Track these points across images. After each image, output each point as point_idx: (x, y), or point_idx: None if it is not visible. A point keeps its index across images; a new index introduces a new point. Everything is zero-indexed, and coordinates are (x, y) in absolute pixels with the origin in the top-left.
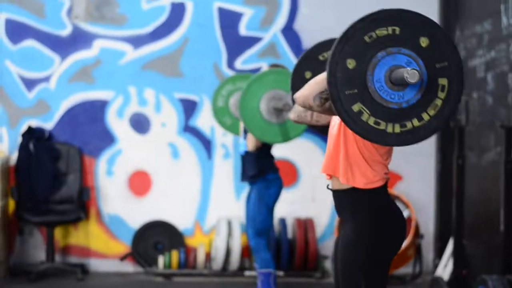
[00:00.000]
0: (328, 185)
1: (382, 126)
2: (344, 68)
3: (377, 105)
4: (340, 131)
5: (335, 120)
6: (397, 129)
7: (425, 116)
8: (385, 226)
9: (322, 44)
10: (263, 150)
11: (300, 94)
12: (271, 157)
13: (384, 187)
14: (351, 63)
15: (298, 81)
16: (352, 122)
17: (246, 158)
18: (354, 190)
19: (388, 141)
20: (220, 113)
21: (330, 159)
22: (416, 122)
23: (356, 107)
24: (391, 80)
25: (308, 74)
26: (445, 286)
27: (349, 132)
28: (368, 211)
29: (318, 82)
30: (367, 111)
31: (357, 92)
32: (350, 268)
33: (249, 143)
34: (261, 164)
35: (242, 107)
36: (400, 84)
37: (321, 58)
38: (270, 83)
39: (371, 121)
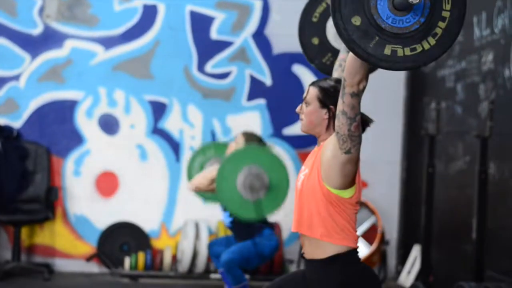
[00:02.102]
0: (303, 253)
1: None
2: (353, 28)
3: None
4: (303, 185)
5: (299, 176)
6: (407, 52)
7: (431, 40)
8: None
9: (307, 7)
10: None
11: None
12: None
13: (355, 253)
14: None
15: (310, 51)
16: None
17: (235, 227)
18: (326, 259)
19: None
20: None
21: (301, 218)
22: (426, 44)
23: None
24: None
25: (315, 40)
26: None
27: (314, 181)
28: (340, 279)
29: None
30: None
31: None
32: None
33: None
34: (252, 229)
35: (219, 185)
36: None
37: (314, 19)
38: (246, 160)
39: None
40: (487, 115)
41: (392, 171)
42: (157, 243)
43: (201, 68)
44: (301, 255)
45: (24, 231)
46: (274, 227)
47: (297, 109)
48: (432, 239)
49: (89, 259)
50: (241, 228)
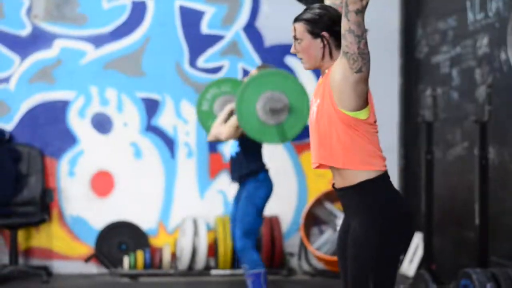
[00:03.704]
0: (333, 183)
1: None
2: None
3: None
4: (318, 116)
5: (312, 109)
6: None
7: None
8: (393, 220)
9: None
10: (255, 150)
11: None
12: (262, 157)
13: (385, 177)
14: None
15: None
16: None
17: (237, 159)
18: (358, 186)
19: None
20: (204, 117)
21: (321, 149)
22: None
23: None
24: None
25: None
26: (430, 281)
27: (328, 109)
28: (375, 206)
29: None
30: None
31: None
32: (359, 265)
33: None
34: (253, 165)
35: (239, 109)
36: None
37: None
38: (266, 85)
39: None
40: (485, 99)
41: (390, 160)
42: (155, 241)
43: (193, 63)
44: (332, 186)
45: (21, 234)
46: (268, 170)
47: (292, 50)
48: (434, 227)
49: (87, 260)
50: (242, 161)
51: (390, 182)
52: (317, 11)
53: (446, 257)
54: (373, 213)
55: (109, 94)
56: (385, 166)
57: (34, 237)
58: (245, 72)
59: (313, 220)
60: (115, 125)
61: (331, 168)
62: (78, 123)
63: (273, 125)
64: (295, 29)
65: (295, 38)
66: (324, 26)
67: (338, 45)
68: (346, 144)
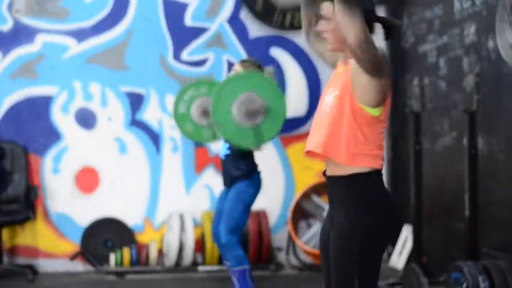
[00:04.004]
0: (325, 171)
1: None
2: None
3: None
4: (332, 108)
5: (326, 98)
6: None
7: None
8: (381, 216)
9: None
10: (246, 151)
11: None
12: (254, 158)
13: (379, 174)
14: None
15: None
16: None
17: (228, 161)
18: (350, 178)
19: None
20: (181, 120)
21: (329, 140)
22: None
23: None
24: None
25: None
26: (421, 275)
27: (345, 103)
28: (364, 201)
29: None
30: None
31: None
32: (344, 258)
33: None
34: (246, 166)
35: (214, 111)
36: None
37: None
38: (242, 86)
39: None
40: (473, 88)
41: None
42: (141, 238)
43: (177, 56)
44: (323, 173)
45: (5, 233)
46: (260, 172)
47: (319, 28)
48: (423, 219)
49: (73, 257)
50: (234, 162)
51: (382, 180)
52: None
53: (435, 249)
54: (361, 207)
55: (93, 89)
56: (382, 165)
57: (19, 235)
58: (230, 64)
59: (300, 213)
60: (99, 120)
61: (328, 157)
62: (62, 119)
63: (249, 127)
64: (323, 9)
65: (323, 18)
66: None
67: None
68: (355, 139)
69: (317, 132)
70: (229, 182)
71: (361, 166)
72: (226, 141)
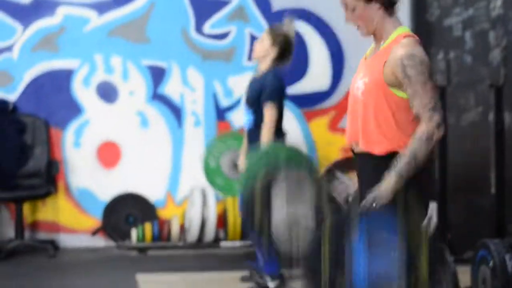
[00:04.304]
0: (353, 149)
1: None
2: None
3: None
4: (364, 94)
5: (357, 84)
6: None
7: None
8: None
9: None
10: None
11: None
12: (281, 125)
13: None
14: None
15: None
16: None
17: (254, 130)
18: (382, 158)
19: None
20: (211, 174)
21: (360, 126)
22: None
23: None
24: None
25: None
26: (446, 252)
27: (377, 89)
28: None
29: None
30: None
31: None
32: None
33: (268, 115)
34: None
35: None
36: None
37: None
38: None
39: None
40: (500, 62)
41: None
42: (163, 213)
43: (199, 29)
44: (352, 150)
45: (26, 208)
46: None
47: (346, 19)
48: (448, 195)
49: (94, 233)
50: (259, 134)
51: None
52: None
53: (460, 226)
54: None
55: (114, 62)
56: None
57: (40, 210)
58: (252, 38)
59: None
60: (120, 94)
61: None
62: (83, 92)
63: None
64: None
65: (347, 8)
66: None
67: (392, 10)
68: (387, 125)
69: (352, 123)
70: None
71: (393, 149)
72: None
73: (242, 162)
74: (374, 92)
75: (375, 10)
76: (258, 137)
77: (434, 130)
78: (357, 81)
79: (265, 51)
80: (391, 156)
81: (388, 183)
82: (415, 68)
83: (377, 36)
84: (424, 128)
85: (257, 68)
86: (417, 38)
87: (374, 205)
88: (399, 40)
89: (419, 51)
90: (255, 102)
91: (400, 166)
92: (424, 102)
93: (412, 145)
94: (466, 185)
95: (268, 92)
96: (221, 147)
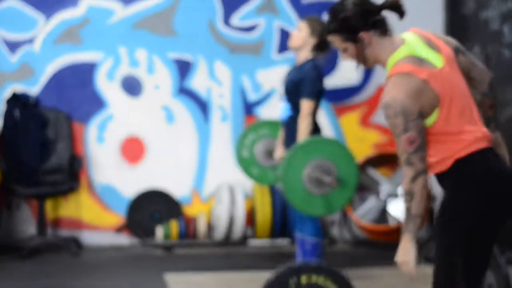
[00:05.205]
0: None
1: None
2: None
3: None
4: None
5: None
6: None
7: None
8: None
9: None
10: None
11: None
12: (316, 120)
13: (475, 155)
14: None
15: None
16: None
17: (291, 124)
18: (449, 171)
19: None
20: (246, 164)
21: None
22: None
23: None
24: None
25: None
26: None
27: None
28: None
29: None
30: None
31: None
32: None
33: (305, 108)
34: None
35: (284, 176)
36: None
37: None
38: (317, 151)
39: None
40: None
41: None
42: (189, 210)
43: (226, 21)
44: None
45: (49, 204)
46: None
47: (343, 59)
48: None
49: (118, 230)
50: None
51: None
52: (341, 15)
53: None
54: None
55: (139, 55)
56: (471, 145)
57: (63, 207)
58: (282, 32)
59: None
60: (145, 88)
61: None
62: (107, 86)
63: (319, 195)
64: (333, 41)
65: (340, 49)
66: (357, 27)
67: (383, 32)
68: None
69: None
70: (291, 145)
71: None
72: (295, 206)
73: (279, 153)
74: None
75: (367, 44)
76: (294, 128)
77: (409, 185)
78: None
79: (303, 40)
80: (455, 167)
81: (404, 247)
82: (390, 120)
83: (384, 63)
84: (403, 184)
85: (295, 58)
86: (407, 69)
87: (407, 272)
88: (391, 76)
89: (399, 97)
90: (292, 92)
91: (404, 229)
92: (399, 155)
93: (404, 203)
94: None
95: (305, 83)
96: (253, 136)
